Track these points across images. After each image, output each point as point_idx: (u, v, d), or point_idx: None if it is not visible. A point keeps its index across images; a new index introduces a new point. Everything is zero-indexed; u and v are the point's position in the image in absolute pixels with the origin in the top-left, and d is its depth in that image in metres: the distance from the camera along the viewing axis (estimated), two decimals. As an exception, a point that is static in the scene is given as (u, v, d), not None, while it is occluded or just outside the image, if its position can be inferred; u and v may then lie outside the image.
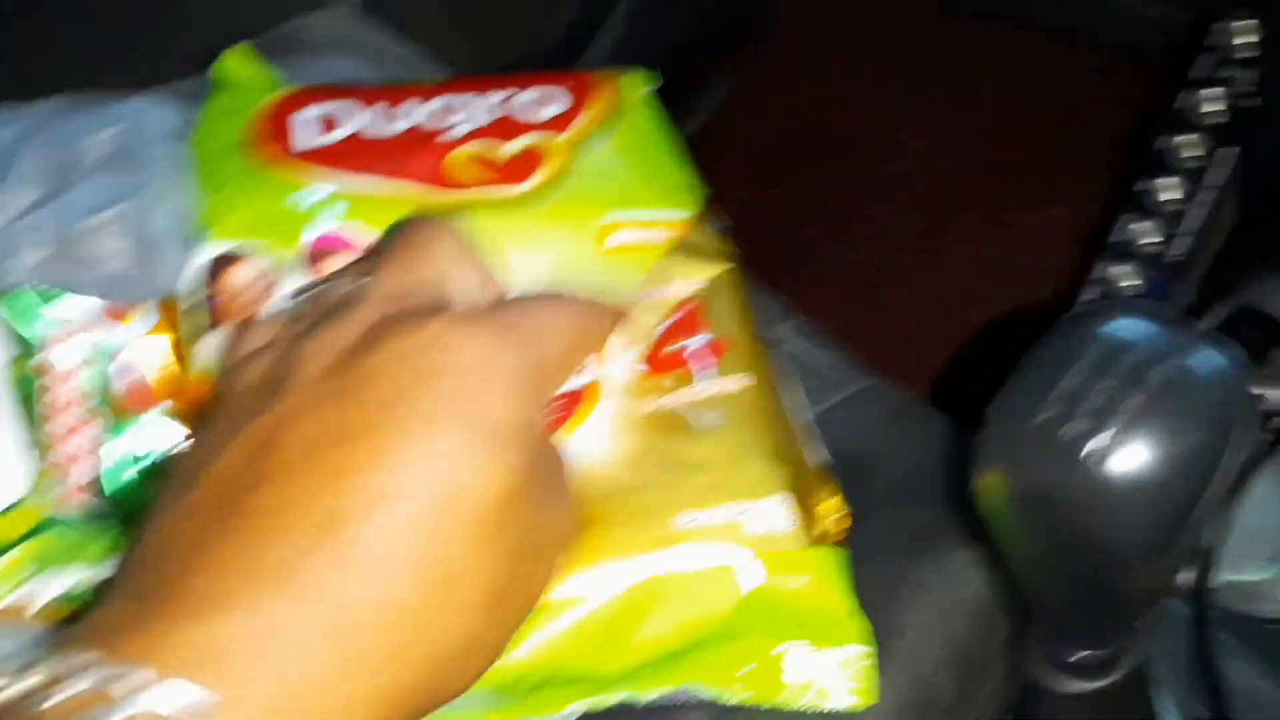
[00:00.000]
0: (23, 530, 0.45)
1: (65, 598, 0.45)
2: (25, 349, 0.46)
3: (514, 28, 0.99)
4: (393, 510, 0.31)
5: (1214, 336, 0.34)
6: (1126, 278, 0.71)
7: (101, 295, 0.47)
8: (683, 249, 0.48)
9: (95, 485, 0.45)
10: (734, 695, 0.43)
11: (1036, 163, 1.19)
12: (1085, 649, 0.39)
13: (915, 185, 1.21)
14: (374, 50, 0.65)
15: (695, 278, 0.47)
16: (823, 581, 0.42)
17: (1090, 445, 0.33)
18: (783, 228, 1.24)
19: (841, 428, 0.52)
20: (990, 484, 0.35)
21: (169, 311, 0.47)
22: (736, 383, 0.45)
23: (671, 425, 0.44)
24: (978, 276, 1.14)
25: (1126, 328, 0.34)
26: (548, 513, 0.35)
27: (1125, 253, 0.71)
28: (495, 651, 0.34)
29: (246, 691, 0.28)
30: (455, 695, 0.33)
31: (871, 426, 0.53)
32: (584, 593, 0.41)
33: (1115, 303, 0.35)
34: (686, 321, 0.47)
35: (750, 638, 0.42)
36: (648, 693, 0.43)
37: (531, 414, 0.35)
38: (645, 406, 0.44)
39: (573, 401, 0.44)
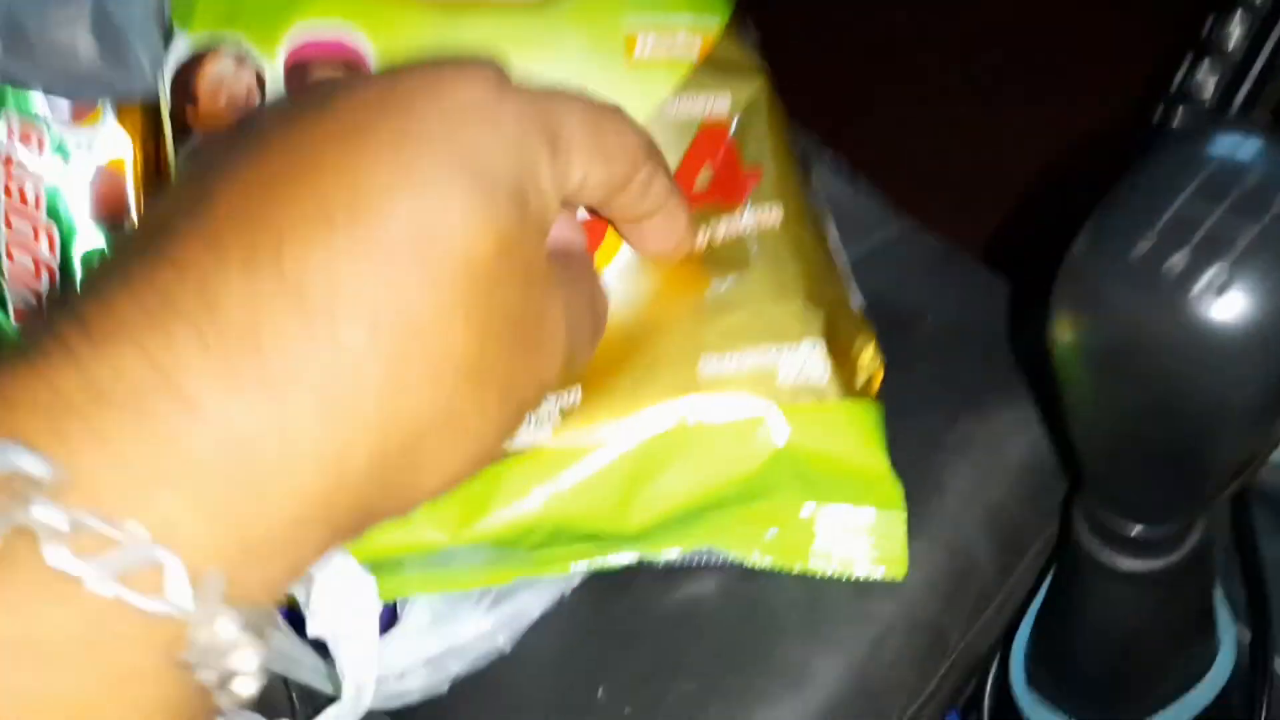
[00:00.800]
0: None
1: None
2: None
3: None
4: (358, 242, 0.26)
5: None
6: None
7: (66, 94, 0.42)
8: (710, 62, 0.43)
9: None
10: (757, 558, 0.39)
11: (1087, 25, 1.13)
12: (1149, 524, 0.35)
13: (962, 66, 1.16)
14: None
15: (723, 94, 0.42)
16: (857, 439, 0.38)
17: (1199, 282, 0.28)
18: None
19: (880, 274, 0.47)
20: (1072, 327, 0.31)
21: (138, 114, 0.43)
22: (768, 214, 0.41)
23: (699, 261, 0.40)
24: (1030, 143, 1.09)
25: (1239, 148, 0.29)
26: (539, 305, 0.30)
27: (1185, 98, 0.66)
28: (480, 442, 0.29)
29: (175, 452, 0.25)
30: (437, 484, 0.29)
31: (912, 274, 0.49)
32: (598, 440, 0.37)
33: (1225, 119, 0.30)
34: (714, 144, 0.42)
35: (777, 497, 0.39)
36: (663, 552, 0.39)
37: (533, 186, 0.30)
38: None
39: (596, 233, 0.39)
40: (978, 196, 1.06)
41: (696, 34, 0.43)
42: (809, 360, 0.38)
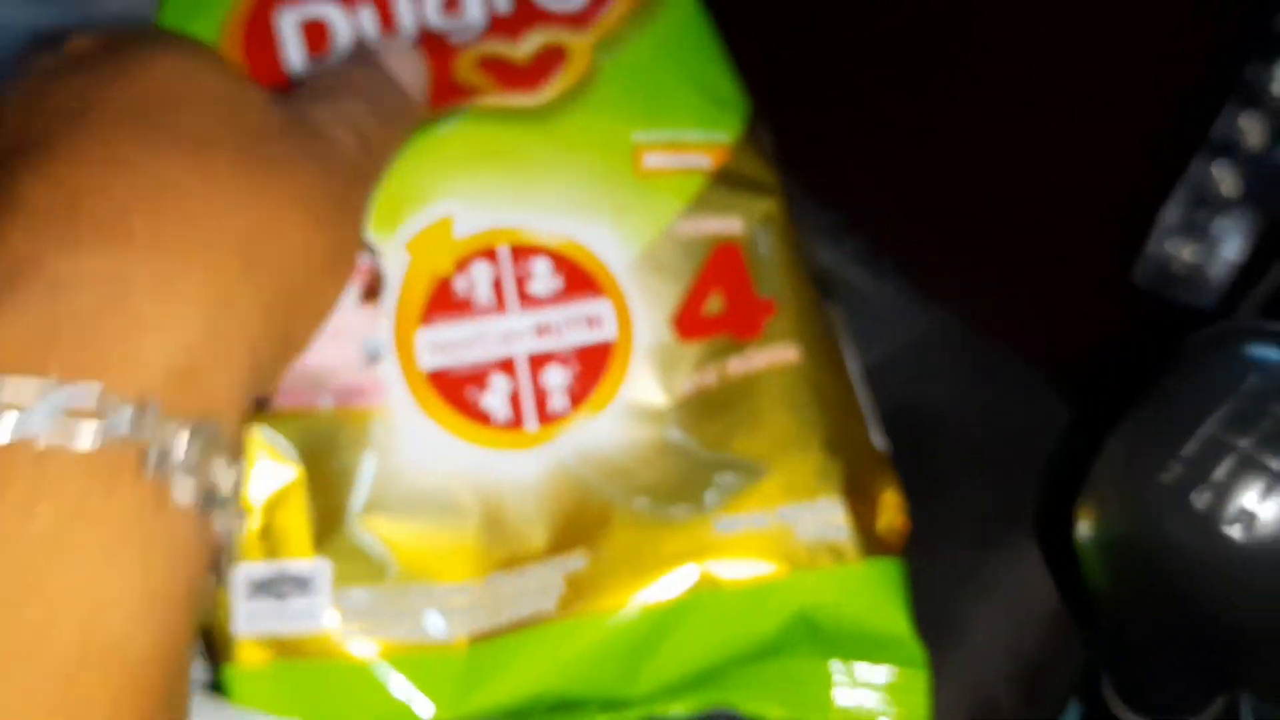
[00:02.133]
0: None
1: None
2: None
3: None
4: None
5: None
6: (1225, 179, 0.64)
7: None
8: (724, 177, 0.41)
9: None
10: (774, 716, 0.39)
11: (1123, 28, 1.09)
12: (1173, 698, 0.34)
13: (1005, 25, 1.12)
14: None
15: (736, 212, 0.41)
16: (879, 600, 0.38)
17: (1227, 513, 0.27)
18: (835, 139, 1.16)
19: (903, 377, 0.46)
20: (1102, 541, 0.30)
21: None
22: (784, 353, 0.40)
23: (710, 406, 0.39)
24: (1060, 137, 1.06)
25: (1270, 369, 0.28)
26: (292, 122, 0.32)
27: (1226, 149, 0.64)
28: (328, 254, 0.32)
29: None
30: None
31: (938, 376, 0.48)
32: (608, 609, 0.37)
33: (1255, 330, 0.29)
34: (726, 267, 0.41)
35: (796, 656, 0.38)
36: (674, 711, 0.39)
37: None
38: (680, 382, 0.39)
39: (595, 364, 0.38)
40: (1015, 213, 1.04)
41: (709, 148, 0.42)
42: (828, 517, 0.38)
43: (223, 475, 0.27)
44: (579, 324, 0.38)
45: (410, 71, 0.37)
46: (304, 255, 0.30)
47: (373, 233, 0.37)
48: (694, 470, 0.38)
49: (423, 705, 0.36)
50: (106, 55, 0.31)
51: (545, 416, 0.37)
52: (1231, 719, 0.38)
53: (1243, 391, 0.28)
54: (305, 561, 0.36)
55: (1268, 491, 0.27)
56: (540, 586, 0.37)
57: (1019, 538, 0.43)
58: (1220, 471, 0.27)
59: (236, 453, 0.28)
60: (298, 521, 0.36)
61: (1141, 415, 0.29)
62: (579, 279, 0.39)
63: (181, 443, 0.26)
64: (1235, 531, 0.27)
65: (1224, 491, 0.27)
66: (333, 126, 0.33)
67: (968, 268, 0.79)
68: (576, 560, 0.37)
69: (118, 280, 0.27)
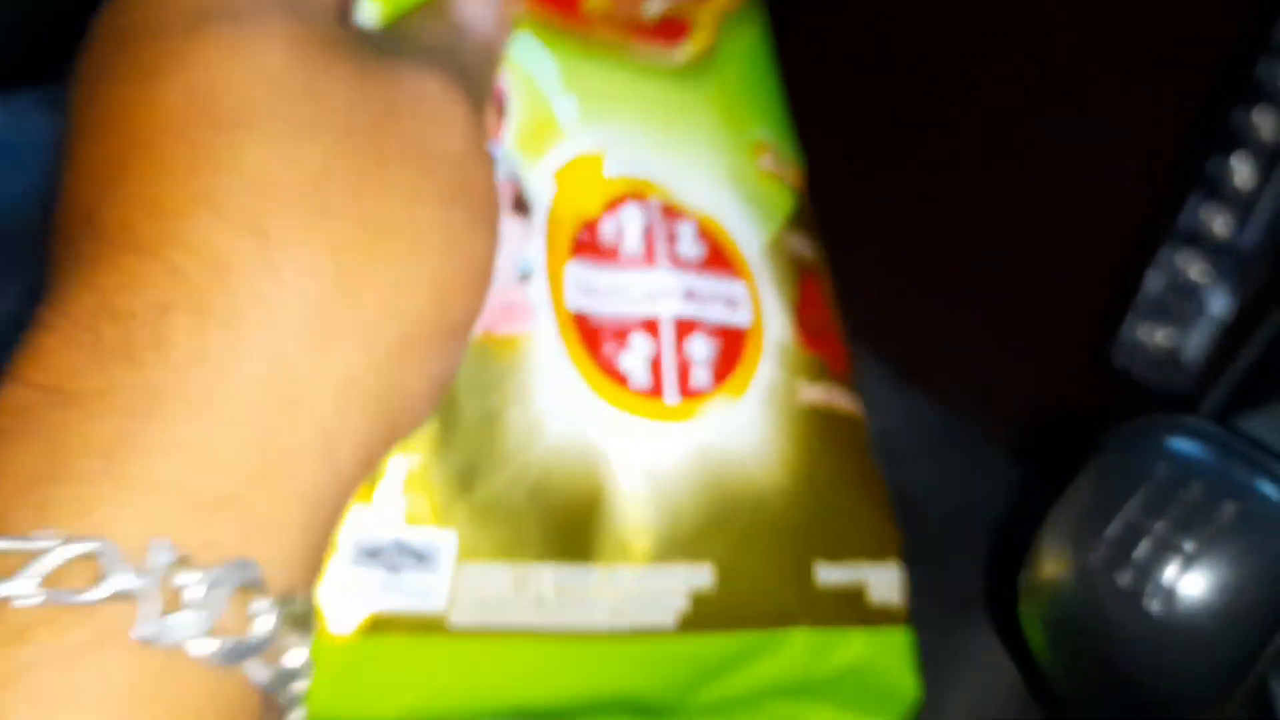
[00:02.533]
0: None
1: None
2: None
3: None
4: None
5: (1276, 463, 0.32)
6: (1194, 266, 0.67)
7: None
8: (804, 206, 0.39)
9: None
10: None
11: (1108, 92, 1.13)
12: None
13: (971, 118, 1.16)
14: None
15: (816, 248, 0.39)
16: (905, 665, 0.38)
17: (1146, 590, 0.31)
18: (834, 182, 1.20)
19: (883, 458, 0.49)
20: (1040, 619, 0.33)
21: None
22: (853, 403, 0.38)
23: (823, 428, 0.36)
24: (1040, 220, 1.10)
25: (1184, 458, 0.32)
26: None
27: (1194, 238, 0.67)
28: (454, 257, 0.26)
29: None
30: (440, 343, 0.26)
31: (914, 461, 0.51)
32: (726, 640, 0.34)
33: (1171, 422, 0.32)
34: (815, 297, 0.39)
35: (834, 708, 0.37)
36: None
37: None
38: (801, 391, 0.36)
39: (734, 346, 0.35)
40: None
41: (797, 171, 0.40)
42: (892, 581, 0.38)
43: (267, 624, 0.22)
44: (720, 301, 0.35)
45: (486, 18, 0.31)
46: (418, 268, 0.25)
47: (517, 154, 0.33)
48: (803, 496, 0.35)
49: (526, 697, 0.32)
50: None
51: (687, 390, 0.33)
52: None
53: (1155, 479, 0.31)
54: (429, 531, 0.30)
55: (1183, 570, 0.30)
56: (662, 593, 0.33)
57: (985, 610, 0.46)
58: (1140, 552, 0.31)
59: (291, 593, 0.23)
60: (423, 481, 0.30)
61: (1069, 501, 0.32)
62: (720, 255, 0.35)
63: (197, 591, 0.21)
64: (1156, 606, 0.30)
65: (1144, 570, 0.30)
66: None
67: (943, 353, 0.82)
68: (703, 575, 0.34)
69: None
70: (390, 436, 0.25)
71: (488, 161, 0.27)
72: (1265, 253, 0.66)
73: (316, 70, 0.25)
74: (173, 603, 0.21)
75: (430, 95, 0.26)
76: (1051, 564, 0.32)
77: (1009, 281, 0.97)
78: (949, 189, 1.04)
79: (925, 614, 0.46)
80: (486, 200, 0.27)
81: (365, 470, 0.25)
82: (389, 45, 0.28)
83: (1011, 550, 0.49)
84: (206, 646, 0.21)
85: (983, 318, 0.97)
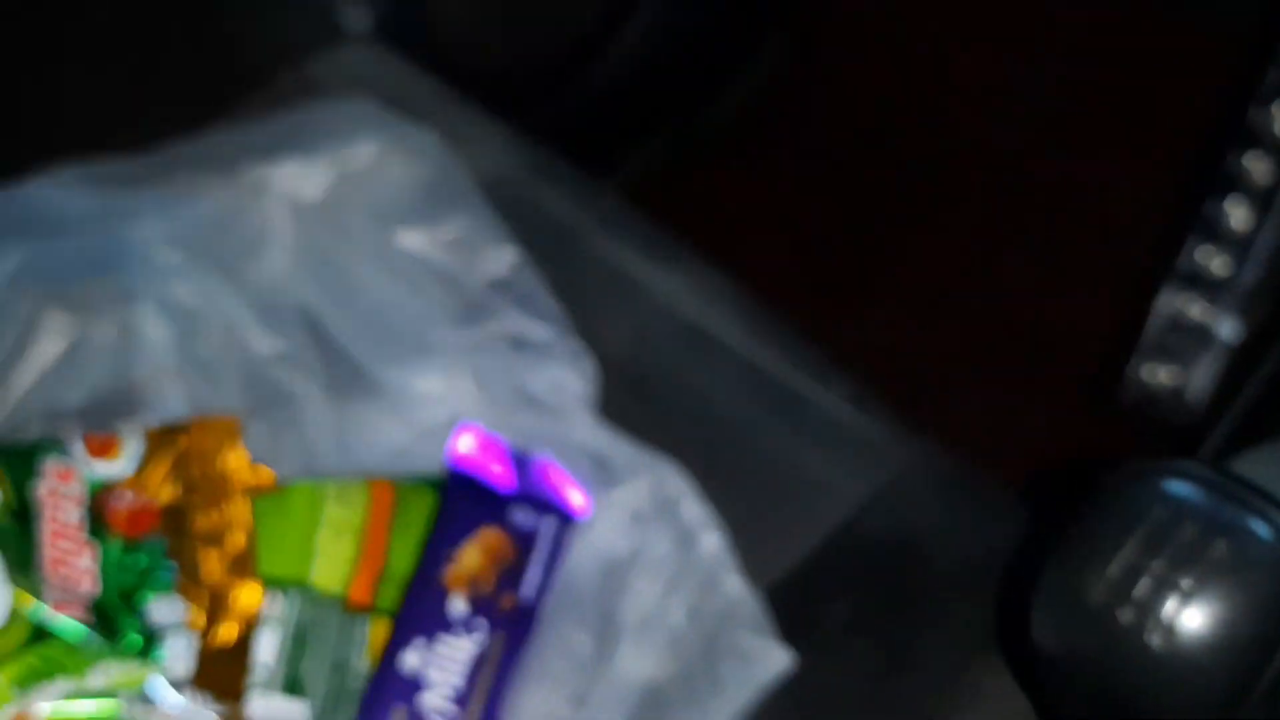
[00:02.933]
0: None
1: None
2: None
3: (541, 16, 0.98)
4: None
5: (1268, 498, 0.33)
6: (1195, 305, 0.69)
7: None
8: None
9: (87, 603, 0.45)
10: None
11: (1108, 141, 1.15)
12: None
13: (978, 166, 1.18)
14: (388, 85, 0.64)
15: None
16: None
17: (1147, 626, 0.32)
18: (839, 224, 1.22)
19: (891, 512, 0.51)
20: (1044, 654, 0.35)
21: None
22: None
23: None
24: (1044, 267, 1.12)
25: (1175, 500, 0.33)
26: None
27: (1193, 280, 0.69)
28: None
29: None
30: None
31: (922, 509, 0.53)
32: None
33: (1164, 466, 0.34)
34: None
35: None
36: None
37: None
38: None
39: None
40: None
41: None
42: None
43: None
44: None
45: None
46: None
47: None
48: None
49: None
50: None
51: None
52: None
53: (1151, 521, 0.33)
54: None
55: (1181, 605, 0.32)
56: None
57: (998, 652, 0.48)
58: (1139, 590, 0.32)
59: None
60: None
61: (1069, 544, 0.34)
62: None
63: None
64: (1156, 641, 0.32)
65: (1144, 607, 0.32)
66: None
67: (950, 401, 0.84)
68: None
69: None
70: None
71: None
72: (1264, 290, 0.68)
73: None
74: None
75: None
76: (1055, 603, 0.34)
77: (1013, 328, 0.99)
78: (951, 238, 1.06)
79: (939, 654, 0.48)
80: None
81: None
82: None
83: (1020, 590, 0.50)
84: None
85: (988, 364, 0.99)
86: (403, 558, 0.47)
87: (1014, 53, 1.23)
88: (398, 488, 0.48)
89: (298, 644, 0.45)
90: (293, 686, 0.45)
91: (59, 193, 0.52)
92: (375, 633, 0.46)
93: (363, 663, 0.45)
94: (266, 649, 0.45)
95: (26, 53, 0.68)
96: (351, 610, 0.46)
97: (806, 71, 1.25)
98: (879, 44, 1.27)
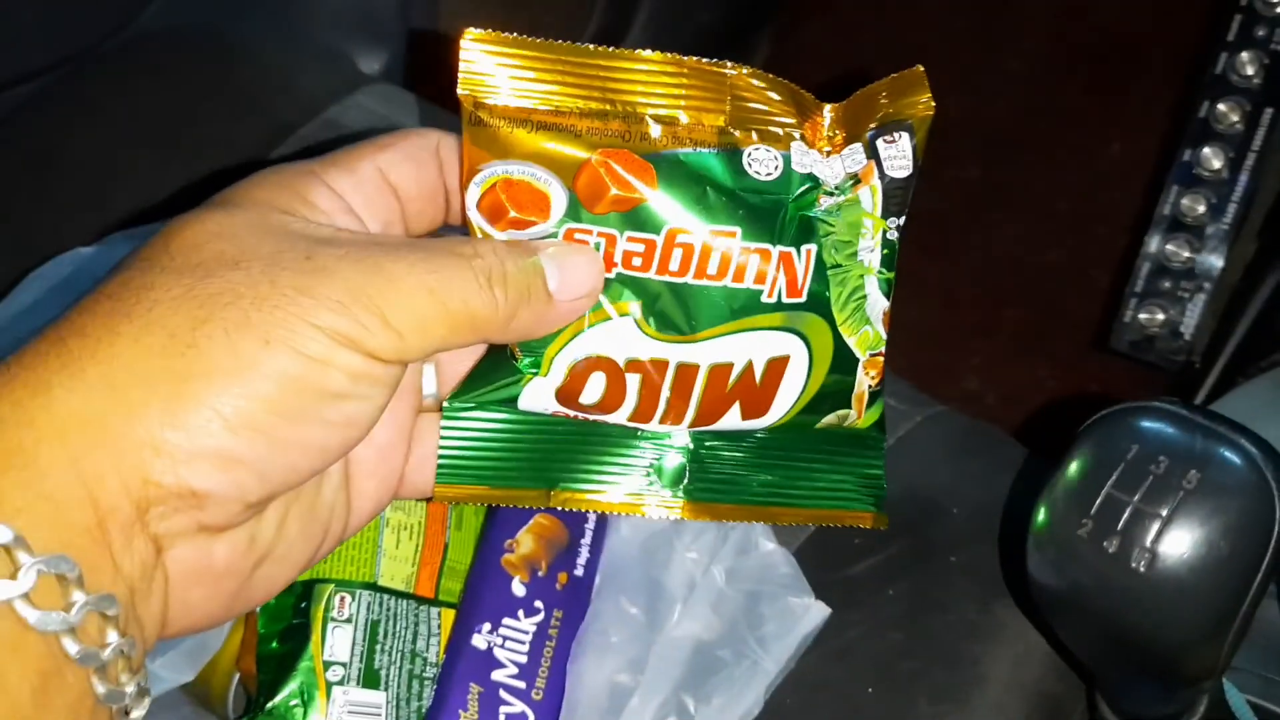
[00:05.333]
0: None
1: None
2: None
3: (551, 20, 1.02)
4: None
5: (1239, 428, 0.37)
6: (1179, 250, 0.73)
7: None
8: None
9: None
10: None
11: (1091, 100, 1.19)
12: (1152, 711, 0.43)
13: (970, 135, 1.22)
14: (405, 123, 0.67)
15: None
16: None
17: (1132, 555, 0.36)
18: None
19: (907, 464, 0.55)
20: (1044, 589, 0.39)
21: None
22: None
23: None
24: (1039, 224, 1.15)
25: (1152, 437, 0.37)
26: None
27: (1174, 224, 0.73)
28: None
29: None
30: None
31: (938, 461, 0.57)
32: None
33: (1139, 407, 0.38)
34: None
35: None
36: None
37: None
38: None
39: None
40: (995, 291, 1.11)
41: None
42: None
43: (80, 611, 0.28)
44: None
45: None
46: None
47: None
48: None
49: None
50: None
51: None
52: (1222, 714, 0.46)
53: (1129, 459, 0.37)
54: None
55: (1160, 533, 0.36)
56: None
57: (1017, 584, 0.52)
58: (1122, 521, 0.36)
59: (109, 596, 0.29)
60: None
61: (1055, 486, 0.38)
62: None
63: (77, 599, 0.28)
64: (1141, 566, 0.36)
65: (1128, 536, 0.36)
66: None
67: (959, 361, 0.88)
68: None
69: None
70: None
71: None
72: (1244, 230, 0.72)
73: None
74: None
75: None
76: (1048, 541, 0.38)
77: (1018, 286, 1.02)
78: (953, 202, 1.10)
79: (963, 597, 0.52)
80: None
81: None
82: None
83: (1020, 531, 0.54)
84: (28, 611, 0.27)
85: (994, 323, 1.02)
86: (461, 551, 0.51)
87: (998, 21, 1.27)
88: None
89: (371, 639, 0.50)
90: (371, 680, 0.49)
91: (108, 254, 0.56)
92: (443, 623, 0.50)
93: (433, 651, 0.50)
94: (342, 647, 0.49)
95: (69, 123, 0.71)
96: (418, 603, 0.50)
97: (793, 51, 1.29)
98: (864, 30, 1.32)
